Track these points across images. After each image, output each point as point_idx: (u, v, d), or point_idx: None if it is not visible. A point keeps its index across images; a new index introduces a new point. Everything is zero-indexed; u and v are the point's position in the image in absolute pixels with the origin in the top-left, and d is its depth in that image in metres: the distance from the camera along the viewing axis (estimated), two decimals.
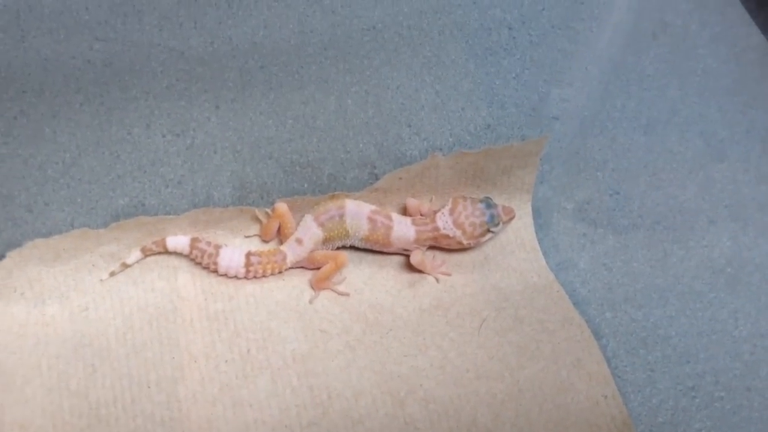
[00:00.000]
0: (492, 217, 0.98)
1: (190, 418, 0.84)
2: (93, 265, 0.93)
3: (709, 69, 1.13)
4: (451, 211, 0.99)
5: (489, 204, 0.99)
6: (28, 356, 0.87)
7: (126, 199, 0.99)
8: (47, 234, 0.94)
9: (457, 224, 0.98)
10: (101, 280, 0.93)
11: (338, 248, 1.00)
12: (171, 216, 0.97)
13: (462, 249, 1.01)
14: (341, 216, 0.97)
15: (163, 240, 0.96)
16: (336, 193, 1.01)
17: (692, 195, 1.08)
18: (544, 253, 1.03)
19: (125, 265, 0.94)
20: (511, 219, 1.00)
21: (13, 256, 0.92)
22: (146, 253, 0.95)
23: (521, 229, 1.03)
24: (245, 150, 1.02)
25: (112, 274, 0.94)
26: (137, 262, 0.95)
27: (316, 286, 0.96)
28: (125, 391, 0.85)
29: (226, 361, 0.88)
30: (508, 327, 0.94)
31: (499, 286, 0.98)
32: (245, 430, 0.83)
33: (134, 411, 0.84)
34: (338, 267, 0.96)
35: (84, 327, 0.89)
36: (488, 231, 0.99)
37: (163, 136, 1.01)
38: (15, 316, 0.89)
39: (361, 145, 1.04)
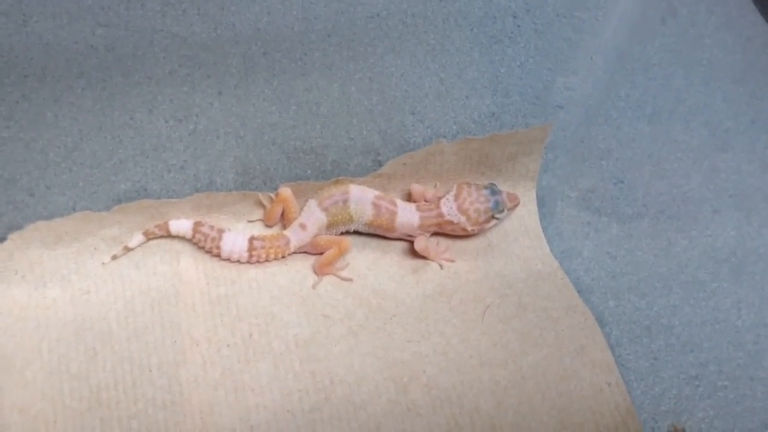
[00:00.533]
0: (496, 203, 0.98)
1: (191, 401, 0.83)
2: (95, 249, 0.93)
3: (714, 59, 1.13)
4: (456, 197, 0.98)
5: (494, 190, 0.99)
6: (29, 339, 0.86)
7: (128, 184, 0.98)
8: (49, 218, 0.94)
9: (462, 210, 0.97)
10: (103, 263, 0.93)
11: (342, 233, 0.99)
12: (174, 200, 0.96)
13: (466, 235, 1.00)
14: (345, 201, 0.97)
15: (166, 223, 0.95)
16: (340, 178, 1.00)
17: (696, 184, 1.07)
18: (548, 241, 1.03)
19: (127, 249, 0.94)
20: (516, 206, 1.00)
21: (14, 238, 0.91)
22: (149, 236, 0.95)
23: (525, 216, 1.03)
24: (248, 136, 1.02)
25: (114, 257, 0.93)
26: (139, 245, 0.95)
27: (320, 271, 0.96)
28: (126, 375, 0.85)
29: (228, 345, 0.88)
30: (511, 314, 0.93)
31: (502, 273, 0.97)
32: (247, 414, 0.83)
33: (135, 394, 0.83)
34: (342, 252, 0.96)
35: (85, 310, 0.89)
36: (493, 218, 0.98)
37: (166, 122, 1.00)
38: (16, 298, 0.89)
39: (364, 132, 1.04)
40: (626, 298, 1.00)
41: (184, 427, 0.81)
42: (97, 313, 0.88)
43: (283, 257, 0.96)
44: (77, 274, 0.91)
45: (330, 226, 0.97)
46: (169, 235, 0.96)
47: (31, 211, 0.95)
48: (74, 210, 0.95)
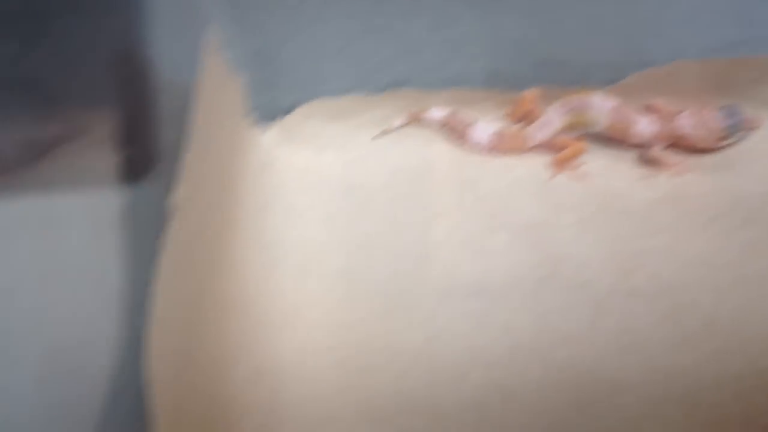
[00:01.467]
0: (734, 124, 1.00)
1: (435, 259, 0.96)
2: (364, 126, 1.09)
3: None
4: (693, 114, 1.02)
5: (732, 112, 1.01)
6: (307, 193, 1.03)
7: (390, 78, 1.12)
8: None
9: (697, 127, 1.01)
10: (370, 139, 1.09)
11: (579, 137, 1.07)
12: (432, 91, 1.09)
13: (700, 152, 1.04)
14: (585, 107, 1.04)
15: (424, 111, 1.09)
16: (582, 87, 1.07)
17: None
18: None
19: (390, 129, 1.09)
20: (755, 128, 1.01)
21: (300, 110, 1.10)
22: (409, 120, 1.09)
23: (765, 140, 1.03)
24: (498, 45, 1.11)
25: (380, 134, 1.09)
26: (400, 127, 1.10)
27: (555, 167, 1.04)
28: (383, 229, 0.99)
29: (469, 220, 0.99)
30: (737, 225, 0.96)
31: (734, 188, 0.99)
32: (484, 275, 0.94)
33: (389, 246, 0.97)
34: (577, 153, 1.04)
35: (353, 176, 1.05)
36: (728, 137, 1.01)
37: (422, 29, 1.12)
38: (298, 160, 1.07)
39: (609, 48, 1.10)
40: None
41: (429, 277, 0.94)
42: (362, 180, 1.04)
43: (522, 152, 1.06)
44: (348, 146, 1.08)
45: (569, 129, 1.05)
46: (425, 122, 1.09)
47: (312, 91, 1.12)
48: (349, 93, 1.12)
